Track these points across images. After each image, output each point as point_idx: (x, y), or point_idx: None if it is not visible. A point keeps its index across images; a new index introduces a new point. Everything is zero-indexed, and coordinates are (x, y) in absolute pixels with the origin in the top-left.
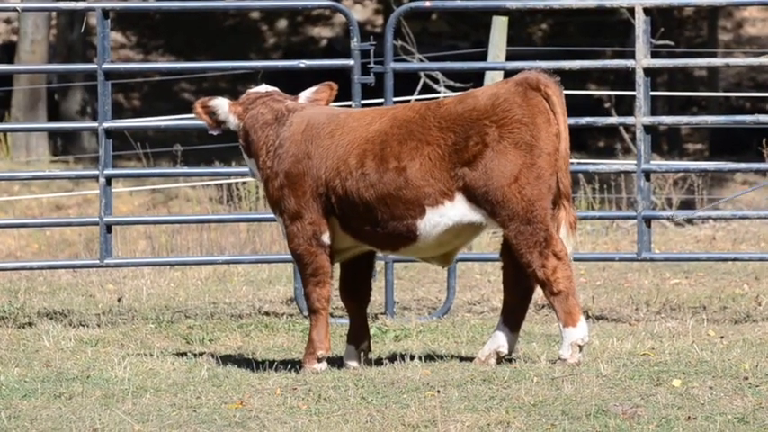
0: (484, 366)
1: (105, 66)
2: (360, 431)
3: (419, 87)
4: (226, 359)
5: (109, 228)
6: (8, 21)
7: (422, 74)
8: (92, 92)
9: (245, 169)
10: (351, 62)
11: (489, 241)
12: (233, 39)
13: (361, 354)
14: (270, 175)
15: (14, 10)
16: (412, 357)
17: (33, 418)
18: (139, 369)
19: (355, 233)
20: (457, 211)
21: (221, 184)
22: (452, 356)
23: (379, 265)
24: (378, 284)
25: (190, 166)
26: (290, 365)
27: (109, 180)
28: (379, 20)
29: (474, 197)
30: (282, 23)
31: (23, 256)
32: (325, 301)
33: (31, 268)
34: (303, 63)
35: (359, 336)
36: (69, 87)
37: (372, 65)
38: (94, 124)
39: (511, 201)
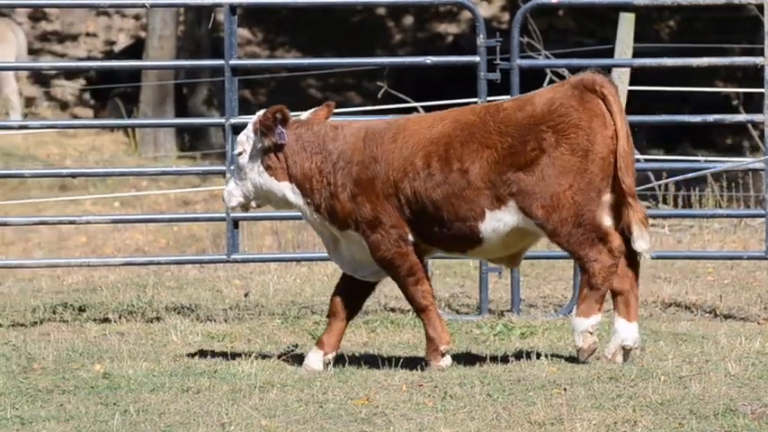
0: (611, 364)
1: (232, 62)
2: (486, 428)
3: (545, 84)
4: (352, 355)
5: (236, 223)
6: (137, 17)
7: (548, 71)
8: (219, 87)
9: None
10: (477, 59)
11: None
12: (359, 35)
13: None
14: (333, 191)
15: (143, 6)
16: (538, 355)
17: (161, 412)
18: (266, 364)
19: (425, 236)
20: (510, 216)
21: None
22: None
23: None
24: (504, 282)
25: None
26: (415, 362)
27: None
28: (506, 16)
29: (527, 203)
30: (409, 20)
31: (151, 252)
32: (430, 295)
33: (159, 263)
34: (429, 59)
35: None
36: (196, 83)
37: (498, 61)
38: (221, 120)
39: (564, 206)
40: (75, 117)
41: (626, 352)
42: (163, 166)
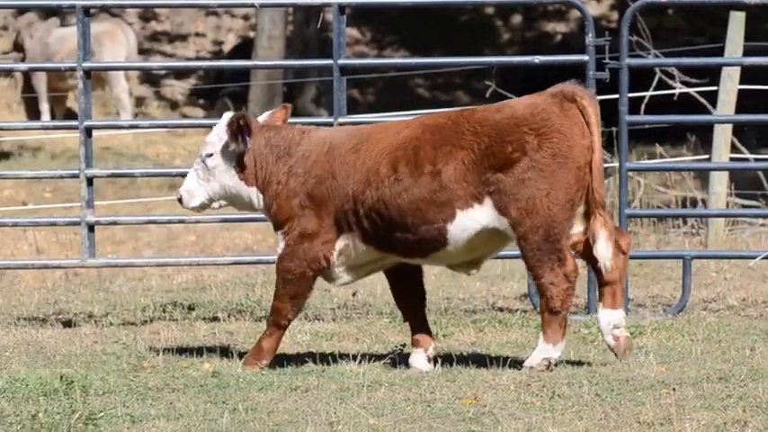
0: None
1: (341, 61)
2: (594, 428)
3: (654, 83)
4: (459, 354)
5: None
6: (246, 17)
7: (657, 70)
8: (327, 87)
9: None
10: (585, 58)
11: (726, 238)
12: (467, 34)
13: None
14: (279, 191)
15: (252, 6)
16: (647, 355)
17: (270, 411)
18: (374, 363)
19: (382, 243)
20: (485, 215)
21: None
22: (687, 354)
23: None
24: None
25: None
26: (523, 361)
27: None
28: (615, 15)
29: (503, 204)
30: (517, 19)
31: (260, 251)
32: (290, 321)
33: (268, 262)
34: (538, 59)
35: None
36: (305, 83)
37: (607, 60)
38: (330, 119)
39: (539, 212)
40: (185, 116)
41: (619, 338)
42: None
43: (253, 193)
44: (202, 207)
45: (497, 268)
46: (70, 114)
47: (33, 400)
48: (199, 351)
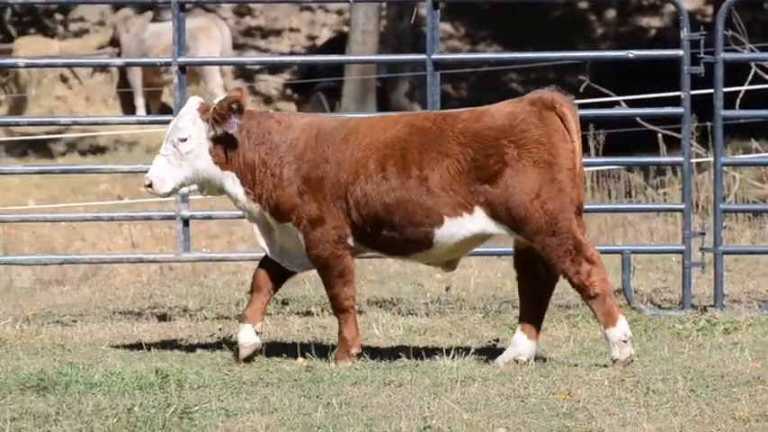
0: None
1: (434, 56)
2: (689, 424)
3: (749, 78)
4: (553, 349)
5: None
6: (340, 12)
7: (752, 64)
8: (420, 82)
9: None
10: (680, 52)
11: None
12: (561, 29)
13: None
14: (277, 183)
15: (347, 1)
16: (742, 351)
17: (364, 405)
18: (467, 358)
19: (366, 239)
20: (476, 224)
21: None
22: None
23: (708, 258)
24: (707, 276)
25: None
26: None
27: None
28: (709, 10)
29: (495, 213)
30: (611, 13)
31: None
32: (353, 299)
33: (361, 257)
34: (632, 53)
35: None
36: (398, 77)
37: (702, 55)
38: None
39: (534, 216)
40: (278, 111)
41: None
42: None
43: (227, 177)
44: (173, 192)
45: None
46: (165, 109)
47: (129, 394)
48: (292, 345)
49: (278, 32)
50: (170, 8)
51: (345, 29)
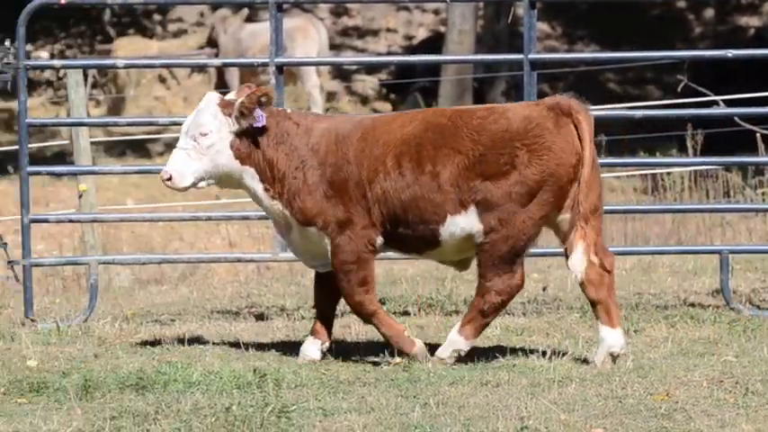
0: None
1: (531, 56)
2: None
3: None
4: (651, 350)
5: None
6: (436, 12)
7: None
8: (517, 82)
9: (671, 159)
10: None
11: None
12: (658, 28)
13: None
14: (301, 187)
15: (444, 1)
16: None
17: (461, 406)
18: (564, 358)
19: (387, 237)
20: (468, 221)
21: (646, 175)
22: None
23: None
24: None
25: (614, 156)
26: (716, 357)
27: None
28: None
29: (485, 211)
30: (709, 12)
31: None
32: (376, 299)
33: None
34: (731, 53)
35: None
36: (495, 77)
37: None
38: None
39: (514, 224)
40: (376, 111)
41: (614, 358)
42: None
43: (246, 172)
44: (191, 186)
45: (689, 263)
46: None
47: (227, 393)
48: (390, 345)
49: (375, 32)
50: (267, 8)
51: (442, 29)
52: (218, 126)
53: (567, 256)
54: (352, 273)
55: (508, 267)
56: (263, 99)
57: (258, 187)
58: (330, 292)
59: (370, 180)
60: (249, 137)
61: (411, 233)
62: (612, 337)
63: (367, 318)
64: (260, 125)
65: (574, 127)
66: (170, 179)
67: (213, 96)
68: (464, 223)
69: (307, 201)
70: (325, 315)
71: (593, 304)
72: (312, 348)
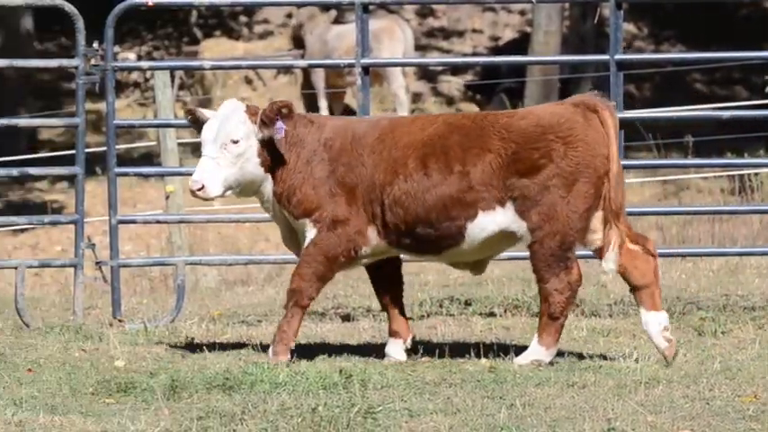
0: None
1: (618, 56)
2: None
3: None
4: (738, 351)
5: None
6: (522, 12)
7: None
8: (603, 82)
9: (759, 160)
10: None
11: None
12: (746, 28)
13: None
14: (304, 179)
15: (530, 2)
16: None
17: (547, 407)
18: (651, 360)
19: (399, 239)
20: (504, 218)
21: (733, 176)
22: None
23: None
24: None
25: (701, 156)
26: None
27: None
28: None
29: (524, 208)
30: None
31: None
32: (311, 300)
33: None
34: None
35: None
36: (581, 78)
37: None
38: None
39: (559, 218)
40: (461, 112)
41: (671, 340)
42: None
43: (266, 180)
44: (220, 196)
45: None
46: (348, 110)
47: (313, 394)
48: (475, 346)
49: (460, 33)
50: (354, 10)
51: (528, 29)
52: (247, 133)
53: (598, 255)
54: (319, 265)
55: (563, 264)
56: (284, 110)
57: (270, 191)
58: (389, 286)
59: (388, 182)
60: (271, 144)
61: (433, 231)
62: (659, 317)
63: (291, 305)
64: (279, 137)
65: (600, 124)
66: (201, 189)
67: (236, 103)
68: (500, 219)
69: (309, 194)
70: (395, 312)
71: (638, 289)
72: (395, 349)
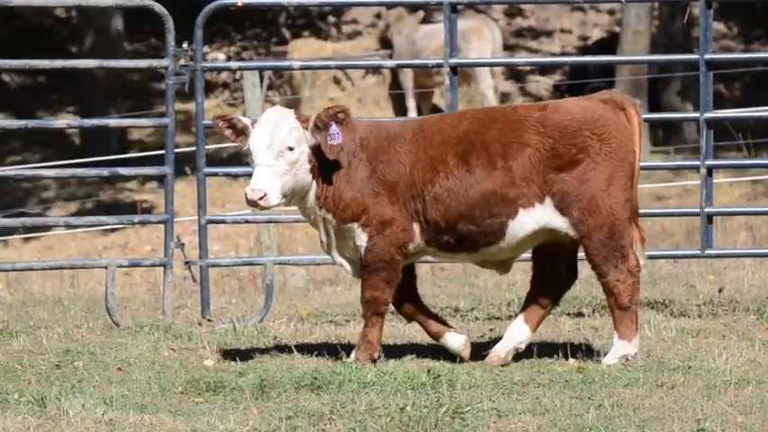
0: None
1: (707, 56)
2: None
3: None
4: None
5: (710, 218)
6: (611, 12)
7: None
8: (692, 82)
9: None
10: None
11: None
12: None
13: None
14: (347, 181)
15: (619, 2)
16: None
17: (636, 407)
18: (741, 360)
19: (438, 237)
20: (544, 214)
21: None
22: None
23: None
24: None
25: None
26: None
27: (710, 171)
28: None
29: (564, 204)
30: None
31: None
32: (387, 305)
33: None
34: None
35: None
36: (670, 78)
37: None
38: (695, 115)
39: (602, 211)
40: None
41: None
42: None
43: (313, 186)
44: (278, 205)
45: None
46: (436, 110)
47: (401, 393)
48: (563, 346)
49: (549, 33)
50: (442, 9)
51: (617, 29)
52: (299, 140)
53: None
54: (382, 270)
55: (617, 254)
56: (341, 116)
57: (313, 197)
58: (409, 294)
59: (428, 180)
60: (319, 150)
61: (475, 228)
62: (522, 333)
63: (372, 314)
64: (335, 142)
65: (627, 120)
66: (263, 198)
67: (282, 110)
68: (540, 216)
69: (355, 197)
70: (424, 317)
71: (528, 300)
72: (454, 339)
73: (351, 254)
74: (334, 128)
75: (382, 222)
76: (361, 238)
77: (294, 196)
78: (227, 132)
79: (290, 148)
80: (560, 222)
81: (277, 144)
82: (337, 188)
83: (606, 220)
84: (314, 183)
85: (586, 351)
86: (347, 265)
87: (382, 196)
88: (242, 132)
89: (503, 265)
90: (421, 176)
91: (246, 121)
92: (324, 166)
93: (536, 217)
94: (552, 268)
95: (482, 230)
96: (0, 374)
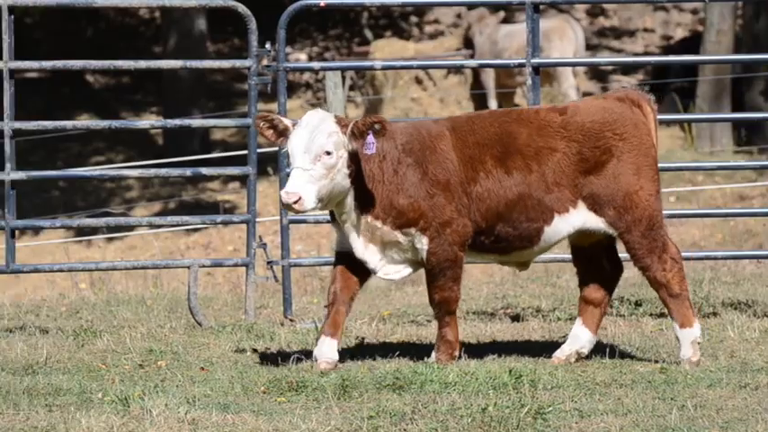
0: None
1: None
2: None
3: None
4: None
5: None
6: (694, 11)
7: None
8: None
9: None
10: None
11: None
12: None
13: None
14: (398, 188)
15: (702, 1)
16: None
17: (719, 408)
18: None
19: (477, 238)
20: (579, 217)
21: None
22: None
23: None
24: None
25: None
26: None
27: None
28: None
29: (597, 204)
30: None
31: (707, 246)
32: (458, 302)
33: (715, 258)
34: None
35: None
36: (753, 77)
37: None
38: None
39: (638, 206)
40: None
41: (579, 358)
42: (719, 161)
43: (351, 191)
44: (313, 209)
45: None
46: None
47: (483, 394)
48: (645, 347)
49: (631, 33)
50: (524, 9)
51: (700, 28)
52: (338, 144)
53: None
54: (448, 270)
55: (659, 243)
56: (377, 127)
57: (351, 202)
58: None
59: (471, 179)
60: (357, 155)
61: (512, 231)
62: (585, 339)
63: (445, 313)
64: (369, 152)
65: (644, 117)
66: (298, 201)
67: (323, 113)
68: (574, 219)
69: (408, 203)
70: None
71: (584, 301)
72: None
73: (399, 255)
74: (370, 137)
75: (442, 224)
76: (422, 242)
77: (331, 200)
78: (268, 133)
79: (328, 153)
80: (596, 223)
81: (315, 148)
82: (386, 196)
83: (644, 214)
84: (352, 188)
85: (670, 352)
86: (374, 263)
87: (438, 197)
88: (282, 134)
89: (524, 264)
90: (464, 175)
91: (288, 122)
92: (365, 172)
93: (571, 221)
94: (595, 266)
95: (519, 234)
96: (84, 374)
